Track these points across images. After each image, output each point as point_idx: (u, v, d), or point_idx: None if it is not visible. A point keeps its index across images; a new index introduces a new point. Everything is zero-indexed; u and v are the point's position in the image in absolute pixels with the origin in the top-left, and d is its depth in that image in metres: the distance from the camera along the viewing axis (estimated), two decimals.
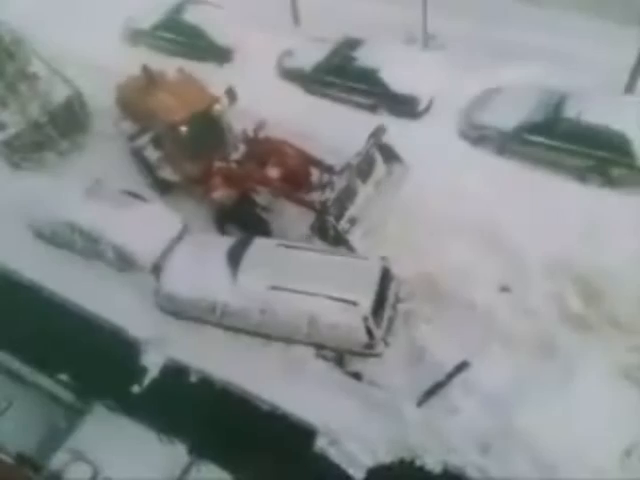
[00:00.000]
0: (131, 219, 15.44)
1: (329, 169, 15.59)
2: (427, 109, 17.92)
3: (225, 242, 14.87)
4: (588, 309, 13.68)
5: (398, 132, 16.96)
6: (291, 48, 19.77)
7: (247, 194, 15.86)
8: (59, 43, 19.38)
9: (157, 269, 15.14)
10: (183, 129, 15.38)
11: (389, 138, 15.47)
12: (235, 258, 14.24)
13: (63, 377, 13.50)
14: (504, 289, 14.30)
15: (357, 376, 13.67)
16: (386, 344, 13.58)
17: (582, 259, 14.01)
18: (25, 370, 13.32)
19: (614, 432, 12.00)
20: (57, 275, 15.60)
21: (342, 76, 18.27)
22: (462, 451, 12.42)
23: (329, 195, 14.05)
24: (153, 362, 14.27)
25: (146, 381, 14.04)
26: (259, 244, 14.53)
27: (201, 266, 14.34)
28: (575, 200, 15.11)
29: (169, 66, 17.35)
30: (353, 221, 14.59)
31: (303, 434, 13.04)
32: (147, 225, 15.47)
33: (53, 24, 19.98)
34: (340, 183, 14.28)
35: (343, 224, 14.39)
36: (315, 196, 14.75)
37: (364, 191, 14.96)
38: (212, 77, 17.36)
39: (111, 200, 15.89)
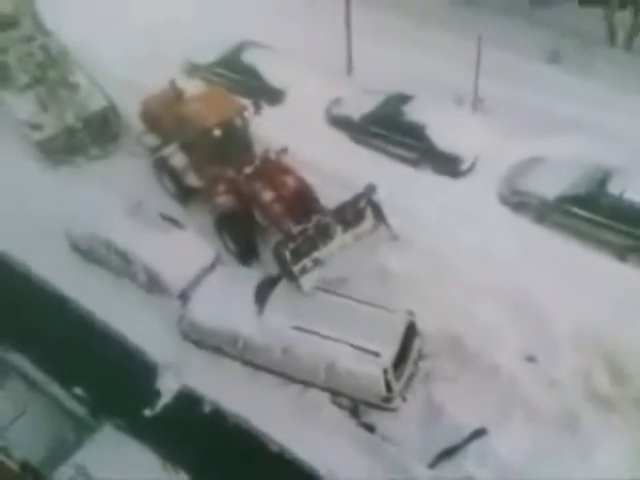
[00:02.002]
0: (166, 244, 15.70)
1: (319, 210, 15.77)
2: (470, 170, 17.98)
3: (255, 277, 14.95)
4: (614, 388, 13.28)
5: (438, 189, 17.18)
6: (341, 96, 20.14)
7: (249, 209, 16.28)
8: (112, 64, 20.32)
9: (185, 296, 15.27)
10: (217, 132, 16.04)
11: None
12: (263, 294, 14.31)
13: (78, 391, 13.55)
14: (530, 359, 13.98)
15: (370, 428, 13.42)
16: (404, 399, 13.39)
17: (613, 337, 13.68)
18: (42, 379, 13.44)
19: None
20: (86, 289, 15.82)
21: (389, 128, 18.49)
22: None
23: (294, 230, 14.53)
24: (168, 387, 14.24)
25: (159, 406, 13.99)
26: (289, 283, 14.55)
27: (229, 298, 14.43)
28: (611, 277, 14.83)
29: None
30: (317, 262, 14.70)
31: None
32: (181, 252, 15.68)
33: (112, 47, 20.78)
34: (313, 225, 14.61)
35: (307, 262, 14.51)
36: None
37: (341, 239, 15.23)
38: (262, 117, 17.75)
39: (149, 223, 16.19)
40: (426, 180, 17.63)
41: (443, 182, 17.62)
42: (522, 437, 12.72)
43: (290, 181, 16.34)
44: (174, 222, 16.64)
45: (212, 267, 15.89)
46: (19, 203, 17.69)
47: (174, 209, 17.45)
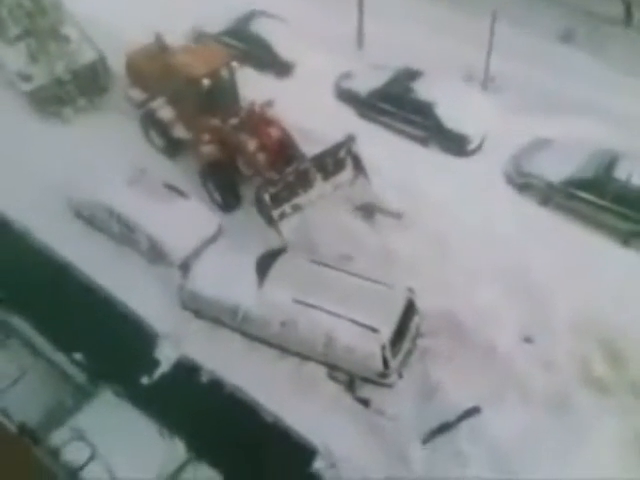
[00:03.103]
0: (169, 213, 15.69)
1: (300, 158, 16.15)
2: (477, 149, 17.85)
3: (257, 249, 14.95)
4: (610, 373, 13.32)
5: (444, 168, 17.07)
6: (350, 71, 19.94)
7: (233, 159, 16.60)
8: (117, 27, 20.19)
9: (186, 266, 15.28)
10: (206, 82, 16.24)
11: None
12: (264, 266, 14.33)
13: (78, 356, 13.67)
14: (527, 339, 14.02)
15: (366, 403, 13.52)
16: (400, 376, 13.46)
17: (611, 322, 13.67)
18: (42, 344, 13.55)
19: None
20: (89, 256, 15.87)
21: (397, 105, 18.33)
22: None
23: (274, 175, 15.16)
24: (166, 356, 14.35)
25: (157, 374, 14.11)
26: (290, 256, 14.60)
27: (229, 269, 14.45)
28: (613, 262, 14.78)
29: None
30: (296, 208, 15.34)
31: (302, 452, 12.94)
32: (183, 221, 15.69)
33: (120, 15, 20.55)
34: (293, 170, 15.19)
35: (286, 208, 15.16)
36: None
37: (321, 187, 15.76)
38: (269, 89, 17.62)
39: (152, 191, 16.18)
40: (432, 158, 17.53)
41: (449, 161, 17.53)
42: (515, 417, 12.79)
43: (273, 132, 16.61)
44: (178, 191, 16.61)
45: (214, 238, 15.91)
46: (15, 162, 17.87)
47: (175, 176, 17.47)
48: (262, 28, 20.74)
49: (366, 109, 18.99)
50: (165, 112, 17.71)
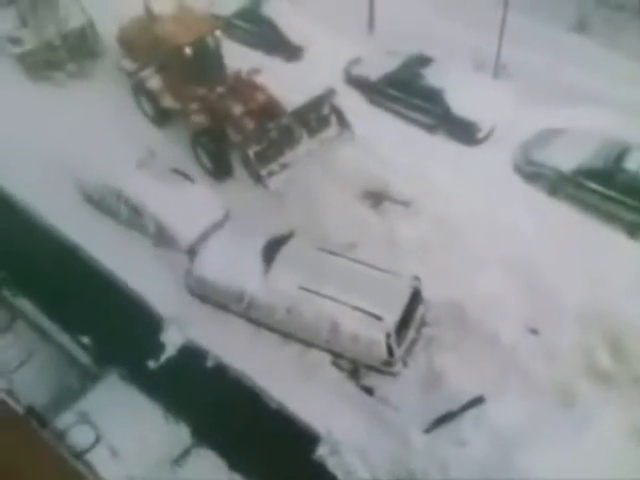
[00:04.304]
0: (177, 198, 15.73)
1: (281, 113, 16.45)
2: (486, 137, 17.71)
3: (264, 235, 14.96)
4: (615, 365, 13.26)
5: (453, 156, 16.95)
6: (360, 56, 19.78)
7: (222, 126, 16.74)
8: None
9: (193, 251, 15.34)
10: (188, 50, 16.50)
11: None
12: (270, 253, 14.36)
13: (84, 339, 13.76)
14: (532, 331, 13.99)
15: (369, 391, 13.58)
16: (404, 364, 13.51)
17: (617, 314, 13.59)
18: (49, 326, 13.66)
19: None
20: (96, 239, 15.95)
21: (406, 92, 18.20)
22: None
23: (256, 133, 15.51)
24: (172, 341, 14.44)
25: (162, 358, 14.20)
26: (297, 243, 14.62)
27: (236, 255, 14.49)
28: (620, 254, 14.67)
29: (239, 55, 17.75)
30: (284, 166, 15.69)
31: (305, 439, 13.03)
32: (191, 206, 15.75)
33: None
34: (274, 126, 15.51)
35: (274, 166, 15.54)
36: None
37: (307, 144, 16.08)
38: (279, 72, 17.55)
39: (160, 176, 16.23)
40: (441, 146, 17.41)
41: (458, 149, 17.40)
42: (519, 407, 12.82)
43: (259, 96, 16.92)
44: (186, 176, 16.62)
45: (221, 223, 15.94)
46: (12, 131, 18.05)
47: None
48: (273, 11, 20.64)
49: (375, 95, 18.87)
50: (154, 81, 18.02)
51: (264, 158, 15.44)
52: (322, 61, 19.58)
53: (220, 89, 17.14)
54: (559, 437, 12.28)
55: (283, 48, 20.25)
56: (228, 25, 20.92)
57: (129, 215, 16.07)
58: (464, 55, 18.79)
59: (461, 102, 17.55)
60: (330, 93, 16.24)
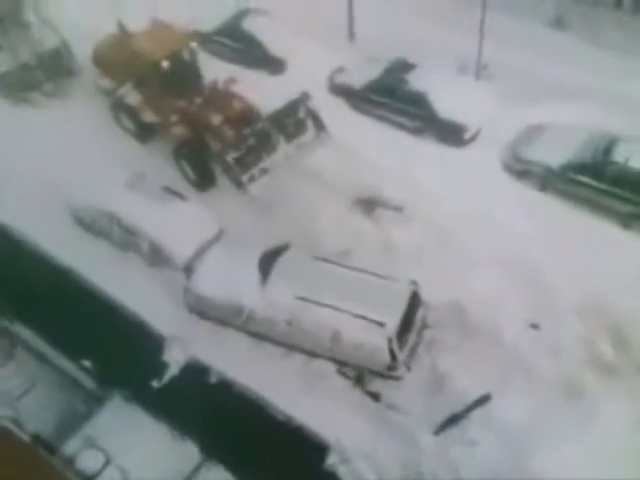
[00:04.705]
0: (169, 216, 15.71)
1: (257, 119, 16.78)
2: (473, 138, 17.85)
3: (259, 248, 14.96)
4: (618, 356, 13.37)
5: (441, 158, 17.07)
6: (343, 64, 19.91)
7: (201, 136, 17.02)
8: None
9: (189, 268, 15.30)
10: (165, 64, 16.84)
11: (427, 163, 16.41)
12: (267, 265, 14.35)
13: (86, 363, 13.66)
14: (533, 326, 14.07)
15: (375, 397, 13.58)
16: (408, 368, 13.51)
17: (616, 304, 13.74)
18: (51, 352, 13.54)
19: None
20: (92, 262, 15.88)
21: (391, 97, 18.32)
22: None
23: (234, 139, 15.93)
24: (175, 359, 14.39)
25: (166, 377, 14.15)
26: (292, 254, 14.62)
27: (233, 269, 14.47)
28: (615, 245, 14.84)
29: (222, 71, 17.80)
30: (264, 171, 16.07)
31: (315, 449, 13.00)
32: (184, 224, 15.72)
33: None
34: (251, 131, 15.94)
35: (254, 171, 15.91)
36: None
37: (284, 149, 16.43)
38: (262, 85, 17.62)
39: (152, 195, 16.20)
40: (429, 149, 17.55)
41: (446, 151, 17.52)
42: (525, 404, 12.88)
43: (236, 104, 17.26)
44: (177, 195, 16.61)
45: (216, 239, 15.91)
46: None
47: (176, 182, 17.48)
48: (253, 26, 20.72)
49: (360, 102, 18.99)
50: (133, 97, 18.21)
51: (244, 164, 15.81)
52: (305, 72, 19.65)
53: (198, 100, 17.43)
54: (567, 431, 12.36)
55: (266, 62, 20.34)
56: (209, 42, 21.05)
57: (122, 236, 16.02)
58: (446, 58, 18.91)
59: (446, 104, 17.68)
60: (304, 97, 16.52)
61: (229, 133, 16.55)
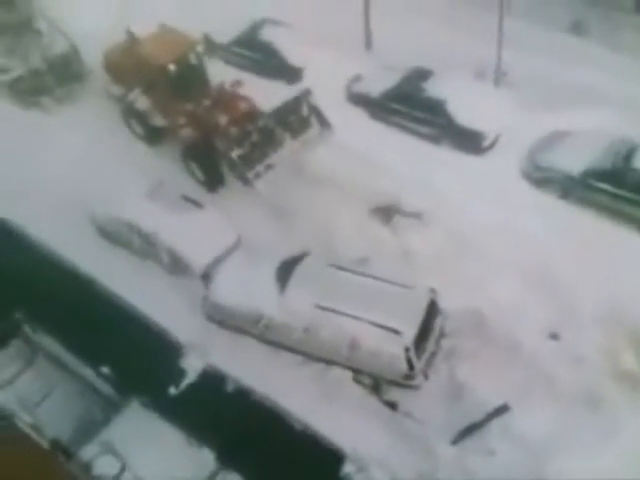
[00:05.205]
0: (188, 225, 15.79)
1: (259, 116, 17.17)
2: (492, 146, 17.71)
3: (277, 256, 14.98)
4: None
5: (460, 166, 16.99)
6: (361, 73, 19.91)
7: (209, 137, 17.13)
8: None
9: (207, 276, 15.39)
10: (172, 67, 17.23)
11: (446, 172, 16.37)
12: (285, 273, 14.37)
13: (105, 370, 13.79)
14: (553, 335, 13.91)
15: (393, 406, 13.51)
16: (426, 377, 13.42)
17: (638, 313, 13.51)
18: (69, 359, 13.66)
19: None
20: (112, 271, 16.02)
21: (409, 105, 18.26)
22: None
23: (237, 136, 16.24)
24: (192, 366, 14.44)
25: (183, 384, 14.20)
26: (310, 262, 14.62)
27: (251, 278, 14.51)
28: (636, 252, 14.60)
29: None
30: (269, 167, 16.44)
31: (332, 458, 12.93)
32: (203, 232, 15.79)
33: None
34: (255, 127, 16.37)
35: (259, 168, 16.28)
36: None
37: (290, 146, 16.87)
38: (280, 95, 17.65)
39: (170, 204, 16.31)
40: (447, 157, 17.46)
41: (465, 159, 17.40)
42: (545, 414, 12.75)
43: (242, 105, 17.60)
44: (196, 203, 16.72)
45: (234, 247, 15.99)
46: (12, 160, 18.44)
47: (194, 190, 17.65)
48: (270, 36, 20.82)
49: (378, 111, 18.95)
50: (142, 102, 18.50)
51: (249, 161, 16.18)
52: (322, 81, 19.56)
53: (206, 102, 17.73)
54: (587, 443, 12.19)
55: (283, 71, 20.40)
56: (227, 52, 21.23)
57: (142, 245, 16.17)
58: (464, 65, 18.83)
59: (464, 112, 17.58)
60: (306, 93, 16.85)
61: (233, 131, 16.79)
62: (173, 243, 15.70)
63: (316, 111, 17.13)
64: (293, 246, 15.39)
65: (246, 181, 16.19)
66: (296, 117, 16.93)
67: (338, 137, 17.39)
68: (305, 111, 17.03)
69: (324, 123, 17.21)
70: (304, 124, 17.09)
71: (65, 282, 16.04)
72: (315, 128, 17.24)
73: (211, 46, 21.49)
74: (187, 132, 17.73)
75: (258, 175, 16.23)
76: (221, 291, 14.69)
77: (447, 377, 13.67)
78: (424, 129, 18.14)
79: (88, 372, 13.46)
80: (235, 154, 16.04)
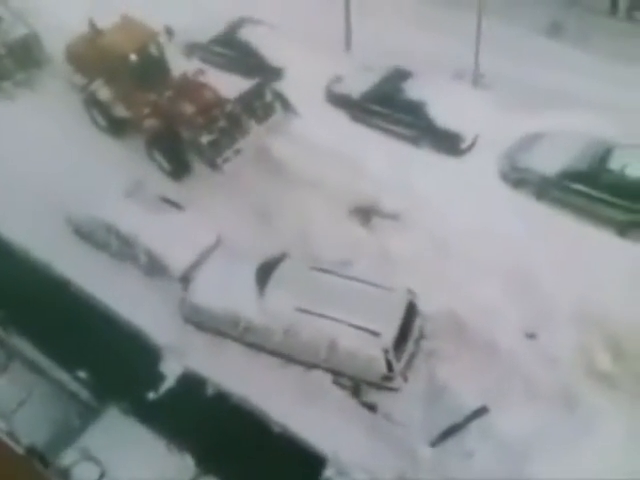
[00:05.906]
0: (166, 226, 15.70)
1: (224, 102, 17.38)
2: (470, 147, 17.80)
3: (257, 258, 14.93)
4: (615, 365, 13.31)
5: (439, 167, 17.05)
6: (341, 74, 19.89)
7: (173, 127, 17.47)
8: None
9: (186, 279, 15.28)
10: (133, 57, 17.44)
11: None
12: (264, 276, 14.35)
13: (82, 374, 13.64)
14: (530, 336, 14.02)
15: (372, 408, 13.53)
16: (405, 379, 13.46)
17: (614, 314, 13.66)
18: (46, 363, 13.50)
19: None
20: (88, 273, 15.82)
21: (388, 106, 18.27)
22: None
23: (205, 123, 16.55)
24: (171, 370, 14.34)
25: (162, 389, 14.09)
26: (290, 264, 14.61)
27: (230, 280, 14.44)
28: (612, 254, 14.74)
29: (219, 80, 18.00)
30: (237, 152, 16.78)
31: (312, 461, 12.91)
32: (181, 234, 15.70)
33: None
34: (220, 113, 16.72)
35: (229, 153, 16.59)
36: None
37: (256, 131, 17.22)
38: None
39: (149, 205, 16.22)
40: (426, 158, 17.47)
41: (443, 160, 17.45)
42: (523, 414, 12.85)
43: (207, 94, 17.64)
44: (174, 204, 16.61)
45: (213, 249, 15.87)
46: None
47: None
48: (250, 35, 20.68)
49: (358, 112, 18.93)
50: (104, 93, 18.57)
51: (218, 146, 16.47)
52: (302, 81, 19.60)
53: (169, 92, 17.75)
54: (565, 441, 12.31)
55: (263, 71, 20.25)
56: (206, 51, 21.08)
57: (119, 247, 16.01)
58: (442, 66, 18.90)
59: (443, 113, 17.63)
60: (269, 79, 17.42)
61: (200, 120, 16.88)
62: (151, 245, 15.57)
63: (280, 97, 17.51)
64: (273, 247, 15.35)
65: (215, 166, 16.48)
66: (260, 103, 17.32)
67: (318, 138, 17.35)
68: (269, 97, 17.43)
69: (288, 107, 17.63)
70: (269, 110, 17.46)
71: (40, 284, 15.81)
72: (279, 113, 17.55)
73: (191, 45, 21.40)
74: (151, 122, 17.76)
75: (226, 160, 16.52)
76: (200, 293, 14.60)
77: (426, 379, 13.74)
78: (403, 130, 18.15)
79: (65, 377, 13.34)
80: (205, 139, 16.30)
